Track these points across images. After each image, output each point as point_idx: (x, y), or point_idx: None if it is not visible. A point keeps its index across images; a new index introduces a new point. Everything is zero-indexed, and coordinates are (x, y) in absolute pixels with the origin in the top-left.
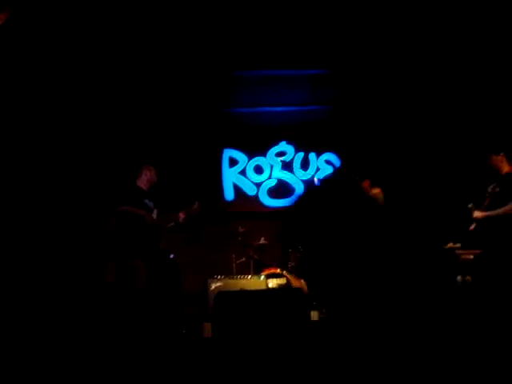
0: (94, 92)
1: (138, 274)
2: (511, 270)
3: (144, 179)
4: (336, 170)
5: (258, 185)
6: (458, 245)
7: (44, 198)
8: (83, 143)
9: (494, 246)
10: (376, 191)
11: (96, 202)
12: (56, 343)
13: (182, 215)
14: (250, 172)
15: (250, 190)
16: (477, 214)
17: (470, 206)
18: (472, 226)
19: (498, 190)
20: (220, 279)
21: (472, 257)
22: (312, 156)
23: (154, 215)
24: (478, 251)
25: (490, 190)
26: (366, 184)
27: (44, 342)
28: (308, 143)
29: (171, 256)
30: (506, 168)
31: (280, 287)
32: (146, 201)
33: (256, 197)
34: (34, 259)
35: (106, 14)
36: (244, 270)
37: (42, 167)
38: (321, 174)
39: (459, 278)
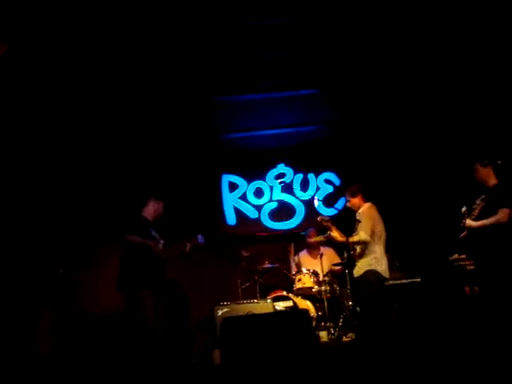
0: (95, 122)
1: (147, 304)
2: (506, 275)
3: (151, 211)
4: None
5: (259, 208)
6: (463, 256)
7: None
8: (81, 172)
9: (488, 254)
10: (366, 206)
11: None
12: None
13: (188, 245)
14: (251, 196)
15: (252, 214)
16: (470, 223)
17: (463, 210)
18: (463, 234)
19: (488, 200)
20: (226, 305)
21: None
22: (311, 176)
23: (161, 246)
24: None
25: (478, 202)
26: (357, 199)
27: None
28: (306, 164)
29: (177, 285)
30: (492, 180)
31: (287, 309)
32: (153, 232)
33: (258, 220)
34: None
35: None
36: (250, 295)
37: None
38: (321, 194)
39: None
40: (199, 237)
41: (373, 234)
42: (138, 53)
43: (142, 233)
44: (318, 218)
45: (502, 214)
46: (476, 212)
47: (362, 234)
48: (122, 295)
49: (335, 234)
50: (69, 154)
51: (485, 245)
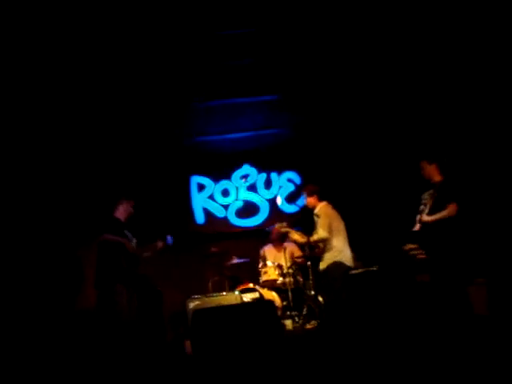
0: (69, 126)
1: (120, 298)
2: (455, 263)
3: (121, 211)
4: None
5: (226, 207)
6: (415, 245)
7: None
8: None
9: (440, 244)
10: (321, 205)
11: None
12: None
13: (159, 244)
14: (218, 195)
15: (219, 212)
16: (425, 217)
17: (420, 208)
18: (417, 227)
19: (436, 195)
20: (197, 298)
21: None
22: (274, 176)
23: (133, 244)
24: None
25: (426, 196)
26: (313, 198)
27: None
28: (269, 164)
29: (150, 281)
30: (437, 177)
31: (253, 301)
32: (126, 231)
33: (225, 218)
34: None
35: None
36: (220, 288)
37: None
38: (284, 192)
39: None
40: (168, 238)
41: (331, 230)
42: (110, 58)
43: (115, 232)
44: (276, 226)
45: (450, 209)
46: (427, 208)
47: (320, 232)
48: (97, 291)
49: (296, 236)
50: (44, 158)
51: (437, 236)
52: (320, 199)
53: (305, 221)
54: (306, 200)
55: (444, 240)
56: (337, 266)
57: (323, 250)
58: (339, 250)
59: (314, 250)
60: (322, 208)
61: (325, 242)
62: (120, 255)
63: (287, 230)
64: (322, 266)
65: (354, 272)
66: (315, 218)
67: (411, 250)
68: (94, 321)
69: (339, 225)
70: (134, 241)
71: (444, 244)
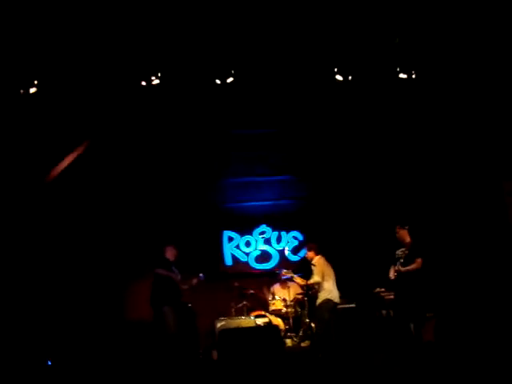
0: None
1: (169, 317)
2: (418, 302)
3: (170, 253)
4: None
5: (248, 254)
6: (383, 289)
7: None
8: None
9: (407, 288)
10: (317, 257)
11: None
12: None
13: (195, 281)
14: (242, 245)
15: (243, 258)
16: (400, 268)
17: (396, 267)
18: (393, 276)
19: (407, 253)
20: (223, 320)
21: (392, 297)
22: (283, 233)
23: (179, 278)
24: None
25: (399, 252)
26: (311, 252)
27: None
28: (280, 225)
29: (189, 305)
30: (408, 239)
31: (264, 324)
32: (173, 268)
33: (247, 262)
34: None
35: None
36: (240, 313)
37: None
38: (290, 246)
39: (384, 312)
40: (201, 275)
41: (323, 276)
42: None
43: (166, 267)
44: (284, 272)
45: (417, 263)
46: (401, 261)
47: (315, 278)
48: (152, 310)
49: (297, 280)
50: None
51: (406, 282)
52: (317, 253)
53: (304, 268)
54: (306, 253)
55: (410, 284)
56: (327, 302)
57: (318, 291)
58: (329, 291)
59: (311, 290)
60: (317, 260)
61: (318, 284)
62: (168, 285)
63: (291, 274)
64: (318, 301)
65: (339, 307)
66: (312, 267)
67: (380, 292)
68: (149, 332)
69: (330, 272)
70: (179, 276)
71: (409, 287)
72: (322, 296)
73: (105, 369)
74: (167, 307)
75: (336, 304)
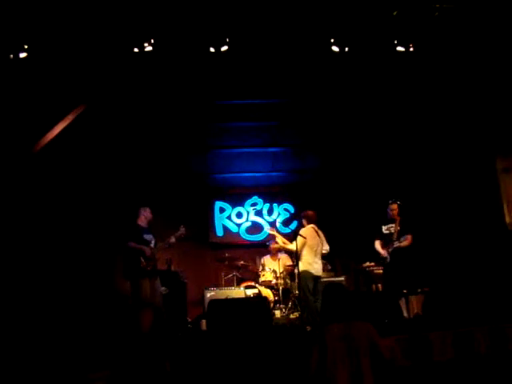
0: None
1: (144, 288)
2: (409, 277)
3: (142, 218)
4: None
5: (239, 225)
6: (373, 263)
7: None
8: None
9: (398, 264)
10: (307, 227)
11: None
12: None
13: (172, 239)
14: (234, 216)
15: (234, 229)
16: (400, 244)
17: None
18: (386, 253)
19: (399, 229)
20: (212, 290)
21: (381, 271)
22: (275, 205)
23: (152, 244)
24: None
25: (390, 229)
26: (304, 221)
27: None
28: (272, 197)
29: (181, 274)
30: (397, 216)
31: (254, 295)
32: (145, 235)
33: (238, 233)
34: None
35: None
36: (230, 283)
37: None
38: (281, 218)
39: (373, 286)
40: (182, 229)
41: (303, 246)
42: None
43: (138, 237)
44: (266, 229)
45: (408, 239)
46: (394, 237)
47: (291, 245)
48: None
49: (280, 238)
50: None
51: (398, 258)
52: (308, 222)
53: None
54: (302, 221)
55: (400, 259)
56: (306, 272)
57: (299, 259)
58: (308, 263)
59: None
60: (305, 230)
61: (299, 253)
62: (140, 256)
63: (274, 231)
64: (299, 270)
65: (324, 279)
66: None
67: (369, 266)
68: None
69: (313, 244)
70: (153, 241)
71: (399, 262)
72: (301, 266)
73: (91, 337)
74: (142, 279)
75: (317, 277)
